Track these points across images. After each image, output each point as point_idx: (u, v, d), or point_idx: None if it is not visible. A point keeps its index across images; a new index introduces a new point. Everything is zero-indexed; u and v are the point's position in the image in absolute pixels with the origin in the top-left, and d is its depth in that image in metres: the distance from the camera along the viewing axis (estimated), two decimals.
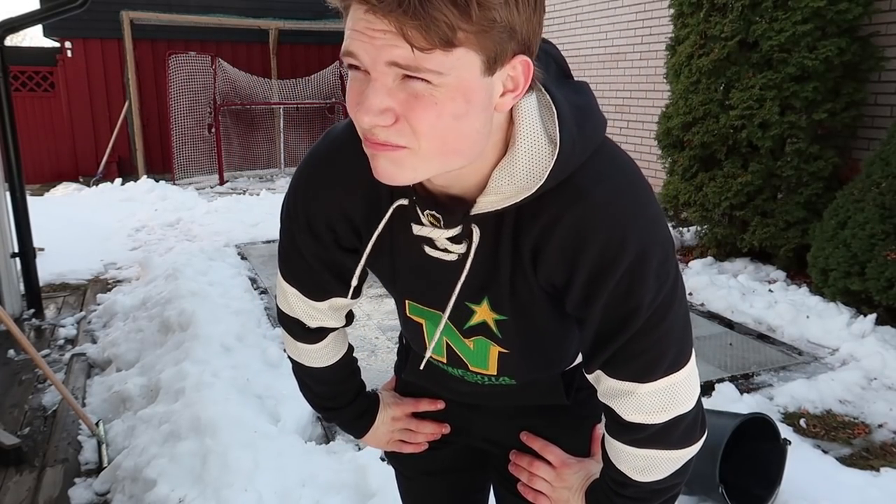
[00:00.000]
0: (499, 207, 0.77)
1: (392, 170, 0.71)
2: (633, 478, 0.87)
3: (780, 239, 4.50)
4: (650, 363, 0.80)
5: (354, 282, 0.93)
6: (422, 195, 0.81)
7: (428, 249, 0.85)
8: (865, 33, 4.34)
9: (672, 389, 0.82)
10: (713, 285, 4.42)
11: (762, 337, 3.80)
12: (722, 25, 4.54)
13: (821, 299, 3.98)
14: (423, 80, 0.64)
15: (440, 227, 0.81)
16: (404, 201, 0.82)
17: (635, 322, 0.78)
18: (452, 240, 0.82)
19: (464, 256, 0.83)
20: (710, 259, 4.93)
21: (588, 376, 0.87)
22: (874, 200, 3.67)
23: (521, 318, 0.89)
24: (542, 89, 0.76)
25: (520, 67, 0.69)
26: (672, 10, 5.11)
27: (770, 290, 4.30)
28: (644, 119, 6.42)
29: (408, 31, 0.61)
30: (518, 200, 0.76)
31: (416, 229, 0.83)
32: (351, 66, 0.68)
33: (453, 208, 0.79)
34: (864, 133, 4.48)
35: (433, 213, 0.80)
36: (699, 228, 5.13)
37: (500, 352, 0.95)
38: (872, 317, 3.65)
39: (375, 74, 0.66)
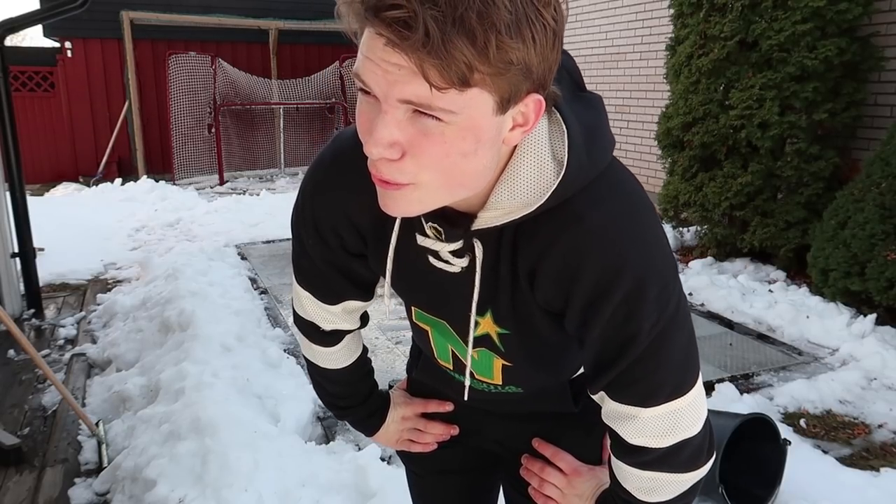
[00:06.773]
0: (499, 223, 0.76)
1: (397, 205, 0.72)
2: (639, 497, 0.87)
3: (780, 239, 4.49)
4: (651, 389, 0.79)
5: (381, 290, 0.93)
6: None
7: (432, 260, 0.85)
8: (865, 33, 4.34)
9: (675, 415, 0.81)
10: (713, 285, 4.42)
11: (762, 337, 3.79)
12: (721, 25, 4.54)
13: (821, 299, 3.98)
14: (434, 117, 0.64)
15: (442, 241, 0.81)
16: None
17: (634, 349, 0.76)
18: (454, 253, 0.82)
19: (466, 270, 0.83)
20: (710, 259, 4.93)
21: (593, 396, 0.86)
22: (874, 200, 3.67)
23: (524, 331, 0.88)
24: (553, 107, 0.74)
25: (532, 105, 0.68)
26: (672, 10, 5.11)
27: (770, 291, 4.30)
28: (644, 119, 6.42)
29: (427, 69, 0.60)
30: (518, 217, 0.75)
31: (420, 240, 0.84)
32: (362, 90, 0.67)
33: (457, 222, 0.79)
34: (864, 133, 4.48)
35: (436, 225, 0.80)
36: (699, 228, 5.13)
37: (503, 364, 0.95)
38: (872, 317, 3.65)
39: (386, 107, 0.65)
